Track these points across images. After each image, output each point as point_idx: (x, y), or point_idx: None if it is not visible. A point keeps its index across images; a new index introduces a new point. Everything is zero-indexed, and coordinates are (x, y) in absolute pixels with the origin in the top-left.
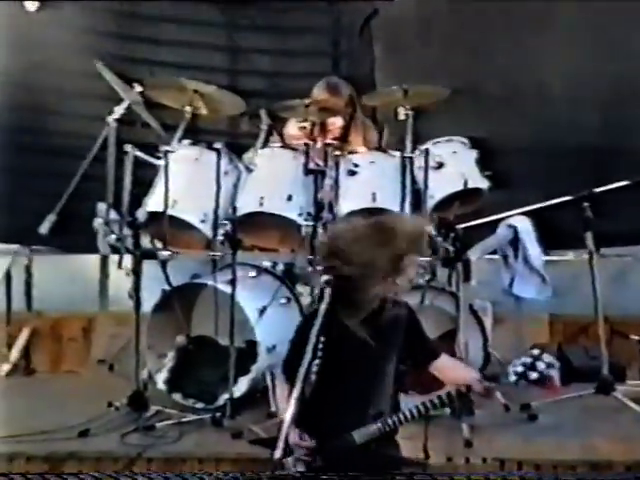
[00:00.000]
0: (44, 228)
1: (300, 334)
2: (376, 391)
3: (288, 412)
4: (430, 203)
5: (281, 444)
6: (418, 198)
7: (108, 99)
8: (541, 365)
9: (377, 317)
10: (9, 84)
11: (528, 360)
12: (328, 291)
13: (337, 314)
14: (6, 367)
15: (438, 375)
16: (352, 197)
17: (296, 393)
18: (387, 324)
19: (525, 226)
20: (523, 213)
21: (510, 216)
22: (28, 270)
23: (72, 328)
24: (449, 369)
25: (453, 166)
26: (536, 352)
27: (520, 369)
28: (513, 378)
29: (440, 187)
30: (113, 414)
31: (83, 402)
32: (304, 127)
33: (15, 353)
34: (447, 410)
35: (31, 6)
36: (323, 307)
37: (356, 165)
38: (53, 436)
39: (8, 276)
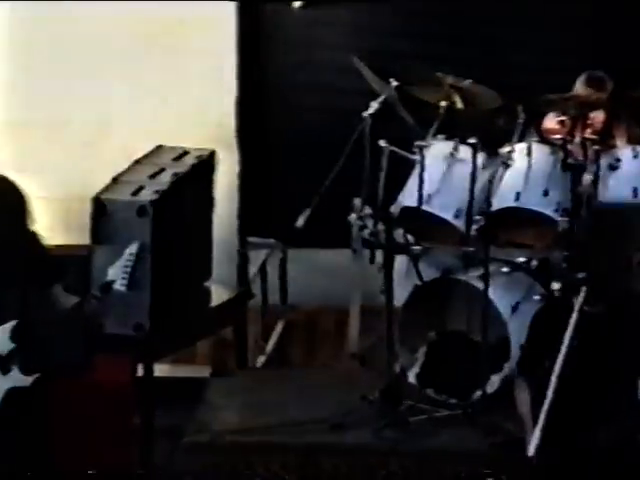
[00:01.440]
0: (300, 223)
1: (538, 333)
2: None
3: (541, 412)
4: None
5: (534, 442)
6: None
7: (364, 94)
8: None
9: (629, 312)
10: (273, 83)
11: None
12: (584, 289)
13: (591, 313)
14: (262, 359)
15: None
16: (612, 192)
17: (550, 394)
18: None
19: None
20: None
21: None
22: (283, 264)
23: (326, 322)
24: None
25: None
26: None
27: None
28: None
29: None
30: (366, 408)
31: (336, 395)
32: (563, 121)
33: (270, 345)
34: None
35: (297, 2)
36: (578, 306)
37: (618, 160)
38: (307, 428)
39: (264, 270)
